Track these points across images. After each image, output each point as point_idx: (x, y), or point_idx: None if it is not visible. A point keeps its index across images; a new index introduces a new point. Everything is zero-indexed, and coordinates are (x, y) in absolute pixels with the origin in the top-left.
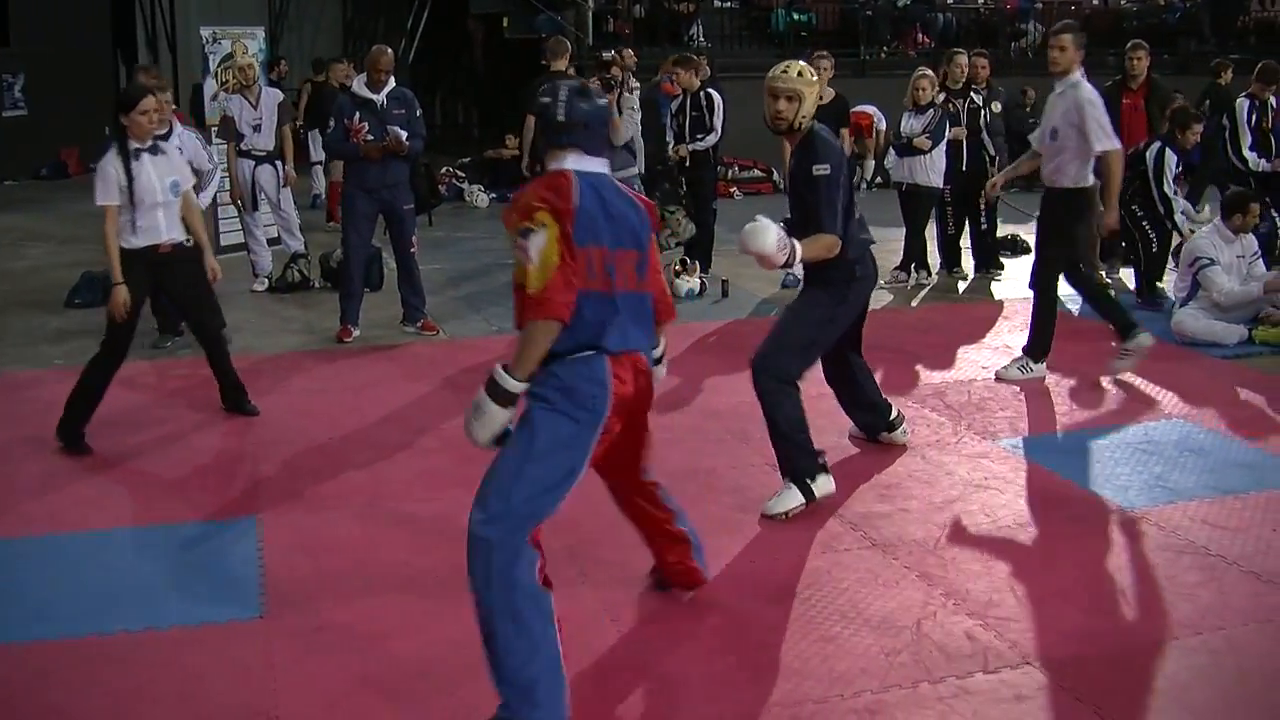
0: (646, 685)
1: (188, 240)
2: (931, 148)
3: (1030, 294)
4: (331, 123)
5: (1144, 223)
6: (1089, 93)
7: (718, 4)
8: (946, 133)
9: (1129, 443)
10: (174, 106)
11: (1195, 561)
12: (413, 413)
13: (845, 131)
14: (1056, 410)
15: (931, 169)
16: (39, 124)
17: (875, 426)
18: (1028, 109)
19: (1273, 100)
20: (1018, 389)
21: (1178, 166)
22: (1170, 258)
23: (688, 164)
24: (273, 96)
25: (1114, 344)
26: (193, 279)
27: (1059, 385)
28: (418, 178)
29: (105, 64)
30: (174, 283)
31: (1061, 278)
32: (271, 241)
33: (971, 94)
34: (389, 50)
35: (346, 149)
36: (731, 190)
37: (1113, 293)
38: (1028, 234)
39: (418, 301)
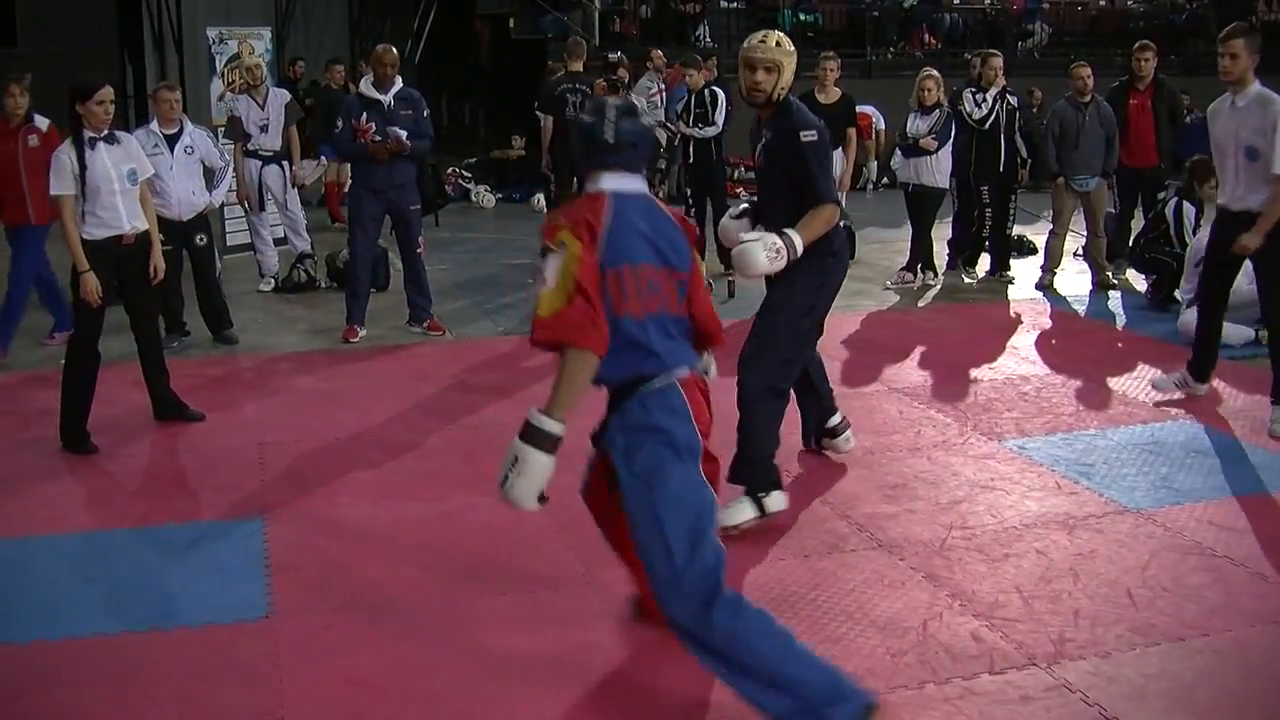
0: (653, 686)
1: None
2: (938, 148)
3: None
4: (339, 123)
5: (1167, 249)
6: None
7: (724, 4)
8: (953, 133)
9: (1135, 443)
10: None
11: (1201, 562)
12: (419, 413)
13: (852, 131)
14: (1063, 411)
15: (937, 169)
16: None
17: (818, 427)
18: (1034, 109)
19: None
20: (1024, 389)
21: (1197, 219)
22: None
23: (692, 160)
24: (280, 97)
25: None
26: (146, 273)
27: (1065, 386)
28: (424, 178)
29: (112, 64)
30: (131, 274)
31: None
32: (278, 241)
33: (1007, 95)
34: (393, 49)
35: (354, 149)
36: (738, 190)
37: (1115, 291)
38: (1035, 235)
39: (424, 302)
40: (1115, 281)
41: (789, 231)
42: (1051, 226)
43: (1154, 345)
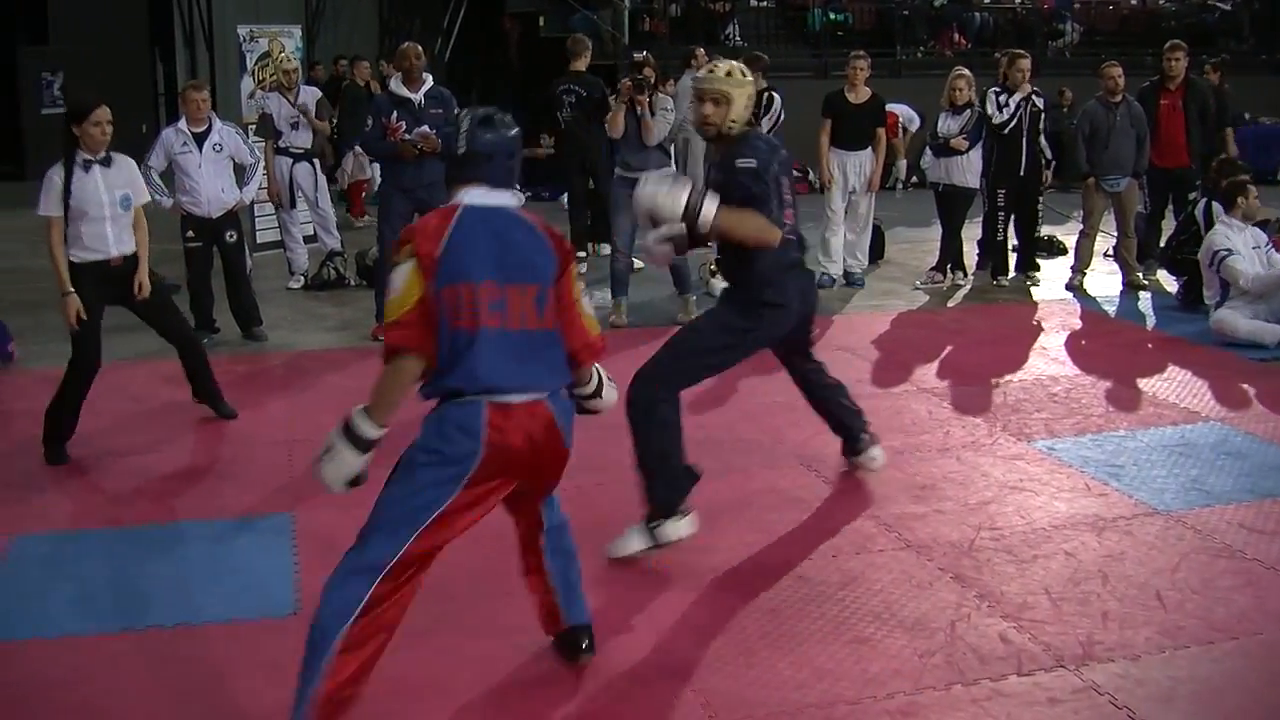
0: (679, 687)
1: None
2: (968, 148)
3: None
4: (369, 121)
5: (1197, 250)
6: None
7: (754, 3)
8: (984, 133)
9: (1165, 445)
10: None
11: (1231, 565)
12: None
13: (881, 131)
14: (1093, 412)
15: (968, 169)
16: None
17: (847, 440)
18: (1065, 109)
19: None
20: (1054, 390)
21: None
22: None
23: None
24: (310, 94)
25: None
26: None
27: (1095, 387)
28: None
29: (143, 62)
30: (123, 290)
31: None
32: (308, 239)
33: (1033, 97)
34: (418, 47)
35: (384, 147)
36: None
37: (1146, 292)
38: (1065, 235)
39: None
40: (1146, 282)
41: (711, 198)
42: (1082, 227)
43: (1184, 346)
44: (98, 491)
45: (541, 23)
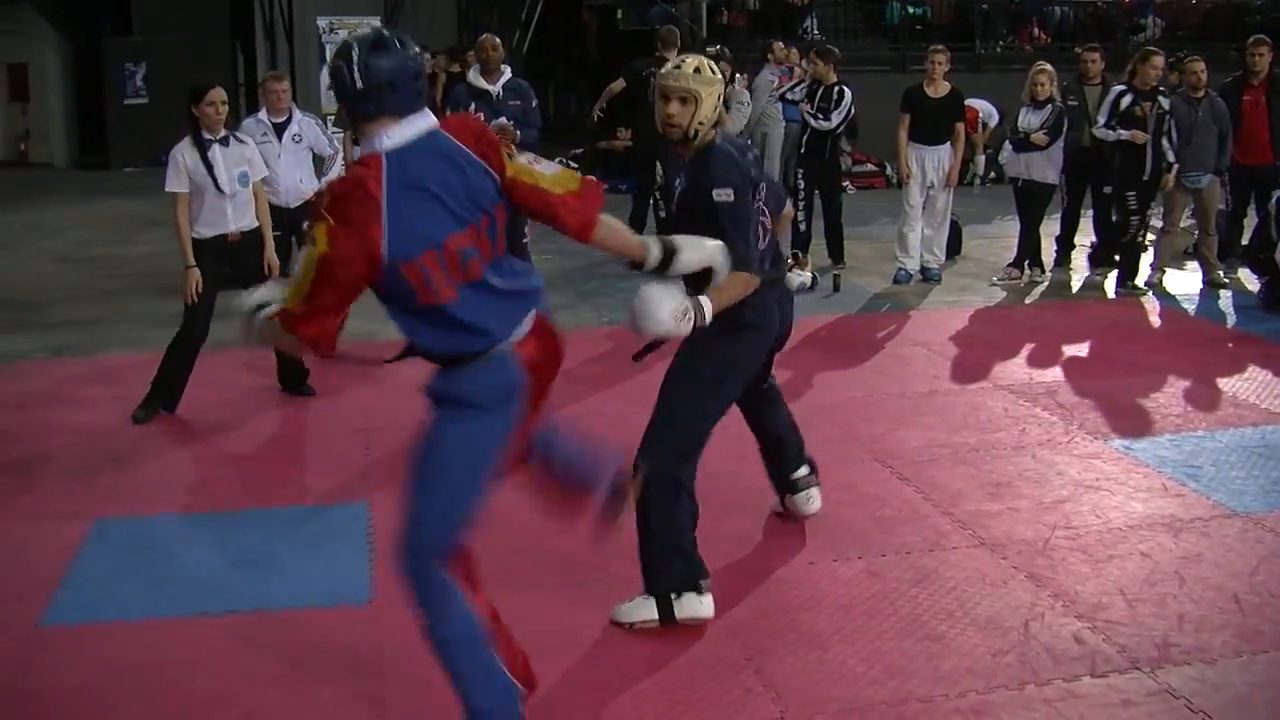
0: (750, 681)
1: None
2: (1049, 143)
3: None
4: (447, 112)
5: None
6: None
7: None
8: (1065, 128)
9: (1245, 446)
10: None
11: None
12: None
13: (960, 126)
14: (1171, 412)
15: (1048, 165)
16: (159, 112)
17: (779, 479)
18: None
19: None
20: (1131, 389)
21: None
22: None
23: (805, 150)
24: None
25: None
26: (258, 267)
27: (1173, 387)
28: None
29: (224, 53)
30: (242, 269)
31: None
32: None
33: (1159, 97)
34: (496, 39)
35: None
36: (845, 184)
37: (1226, 290)
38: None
39: None
40: (1227, 281)
41: (703, 298)
42: (1162, 224)
43: (1265, 346)
44: (177, 476)
45: (620, 15)
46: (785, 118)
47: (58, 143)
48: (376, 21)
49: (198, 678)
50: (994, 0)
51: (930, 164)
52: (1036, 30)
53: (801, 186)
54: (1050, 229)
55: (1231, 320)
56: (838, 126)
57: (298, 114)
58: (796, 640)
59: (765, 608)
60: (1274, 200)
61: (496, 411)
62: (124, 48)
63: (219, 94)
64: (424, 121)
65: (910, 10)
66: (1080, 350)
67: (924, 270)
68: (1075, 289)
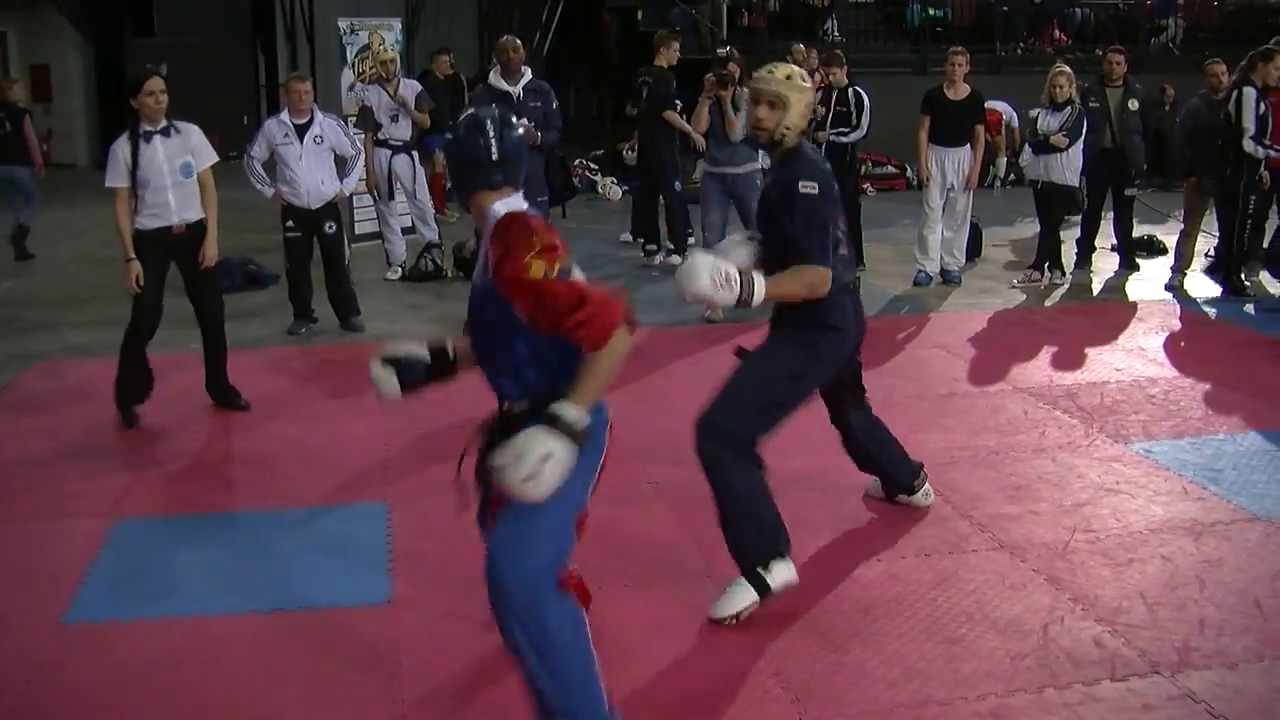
0: (768, 682)
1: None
2: (1069, 145)
3: (1166, 295)
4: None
5: None
6: None
7: None
8: (1084, 130)
9: (1266, 449)
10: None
11: None
12: None
13: (980, 128)
14: (1192, 415)
15: (1068, 167)
16: (180, 113)
17: (891, 487)
18: (1166, 107)
19: None
20: (1152, 392)
21: None
22: None
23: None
24: (410, 87)
25: None
26: (197, 260)
27: (1195, 389)
28: (553, 170)
29: (245, 55)
30: (185, 263)
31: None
32: (406, 231)
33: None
34: (515, 39)
35: None
36: (865, 186)
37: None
38: (1166, 235)
39: None
40: (1248, 284)
41: (757, 275)
42: (1183, 226)
43: None
44: (197, 476)
45: (640, 17)
46: None
47: (80, 143)
48: (397, 23)
49: (218, 676)
50: (1015, 2)
51: (950, 166)
52: (1057, 32)
53: None
54: (1070, 231)
55: (1252, 323)
56: (865, 134)
57: (319, 115)
58: (816, 642)
59: (784, 609)
60: None
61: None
62: (146, 49)
63: (157, 84)
64: (521, 201)
65: (931, 12)
66: (1101, 353)
67: (944, 273)
68: (1096, 292)
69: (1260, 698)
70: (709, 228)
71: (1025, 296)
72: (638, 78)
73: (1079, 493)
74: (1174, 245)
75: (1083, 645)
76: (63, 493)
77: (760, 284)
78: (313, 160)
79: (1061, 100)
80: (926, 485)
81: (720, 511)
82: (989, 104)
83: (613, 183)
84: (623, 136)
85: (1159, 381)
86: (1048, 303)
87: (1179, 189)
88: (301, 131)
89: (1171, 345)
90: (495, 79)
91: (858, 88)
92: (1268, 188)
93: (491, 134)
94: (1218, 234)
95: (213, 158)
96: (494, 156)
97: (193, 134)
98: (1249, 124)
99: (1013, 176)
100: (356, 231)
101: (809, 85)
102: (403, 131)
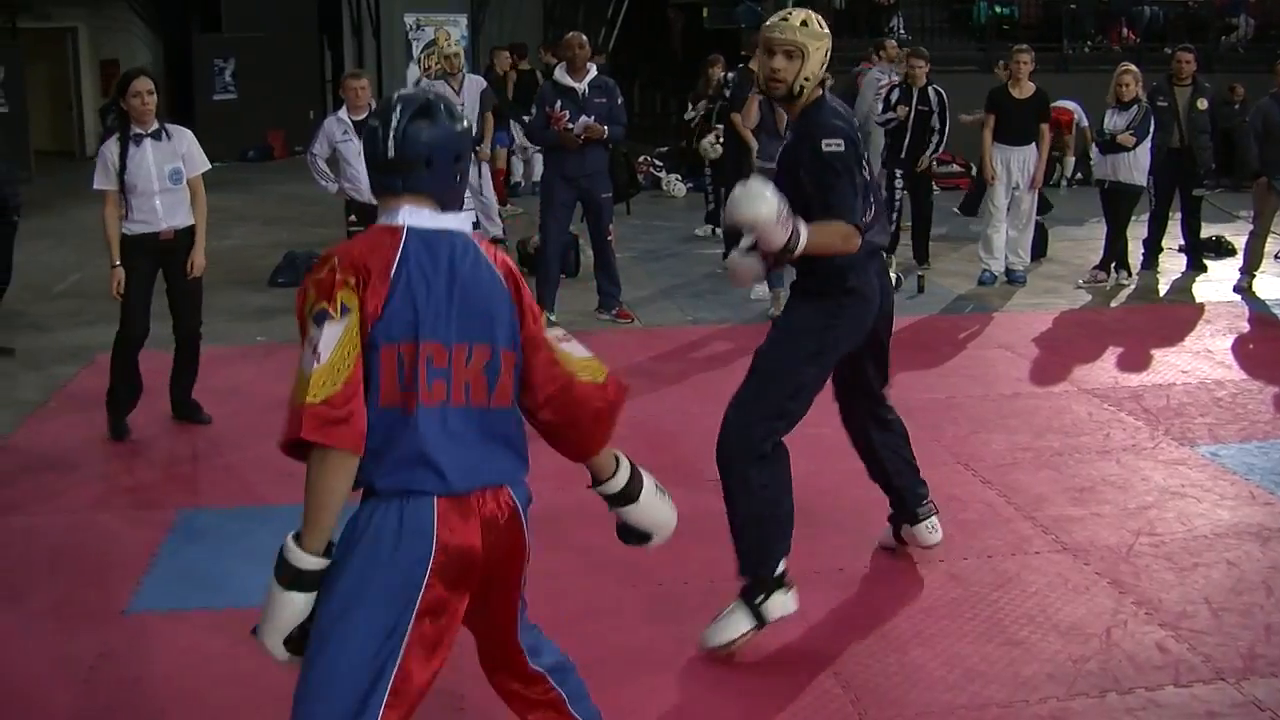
0: (828, 682)
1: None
2: (1136, 144)
3: (1234, 297)
4: (534, 109)
5: None
6: None
7: None
8: (1151, 129)
9: None
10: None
11: None
12: None
13: (1045, 127)
14: (1259, 418)
15: (1135, 166)
16: (247, 108)
17: (899, 510)
18: (1236, 106)
19: None
20: (1219, 394)
21: None
22: None
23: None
24: (475, 83)
25: None
26: (183, 268)
27: (1263, 392)
28: (617, 166)
29: (311, 50)
30: (171, 271)
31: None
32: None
33: None
34: (581, 35)
35: (547, 135)
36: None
37: None
38: (1233, 235)
39: (613, 289)
40: None
41: (804, 225)
42: (1252, 227)
43: None
44: (258, 467)
45: (705, 14)
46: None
47: None
48: (463, 19)
49: (276, 668)
50: (1082, 0)
51: (1015, 165)
52: (1125, 30)
53: (899, 187)
54: (1137, 231)
55: None
56: (944, 138)
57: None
58: (876, 642)
59: (844, 610)
60: None
61: (393, 578)
62: (213, 44)
63: (144, 84)
64: (457, 220)
65: (997, 10)
66: (1166, 354)
67: (1009, 272)
68: (1162, 293)
69: None
70: None
71: (1091, 297)
72: (727, 73)
73: (1143, 495)
74: (1242, 246)
75: (1146, 650)
76: (127, 483)
77: (804, 233)
78: None
79: (1127, 99)
80: (934, 518)
81: (731, 525)
82: (1061, 103)
83: (677, 179)
84: (687, 133)
85: (1226, 384)
86: (1113, 303)
87: (1248, 189)
88: (360, 128)
89: (1239, 347)
90: (560, 75)
91: (937, 87)
92: None
93: (393, 126)
94: None
95: (204, 165)
96: (390, 155)
97: (184, 139)
98: None
99: (1079, 175)
100: None
101: (827, 33)
102: None
